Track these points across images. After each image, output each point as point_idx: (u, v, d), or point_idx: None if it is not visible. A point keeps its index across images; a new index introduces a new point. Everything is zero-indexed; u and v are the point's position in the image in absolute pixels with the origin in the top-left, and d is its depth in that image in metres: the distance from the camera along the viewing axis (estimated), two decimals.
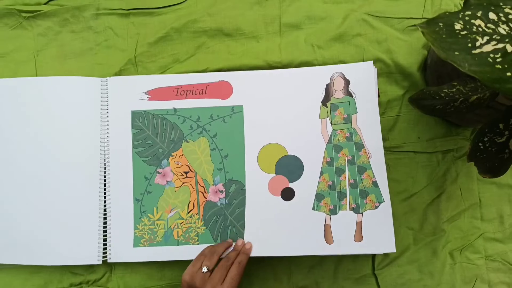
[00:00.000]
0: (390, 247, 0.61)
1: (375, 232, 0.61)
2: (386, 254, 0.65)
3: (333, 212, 0.63)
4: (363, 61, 0.68)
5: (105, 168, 0.64)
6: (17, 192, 0.63)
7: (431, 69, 0.65)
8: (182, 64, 0.68)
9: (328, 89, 0.65)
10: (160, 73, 0.68)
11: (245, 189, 0.64)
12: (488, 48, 0.32)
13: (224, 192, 0.64)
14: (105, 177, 0.64)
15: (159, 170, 0.65)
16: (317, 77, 0.65)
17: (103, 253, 0.64)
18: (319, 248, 0.62)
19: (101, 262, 0.63)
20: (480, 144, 0.42)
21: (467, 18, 0.33)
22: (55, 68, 0.68)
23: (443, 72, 0.62)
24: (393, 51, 0.67)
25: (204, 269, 0.55)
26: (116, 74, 0.68)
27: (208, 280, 0.55)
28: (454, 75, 0.59)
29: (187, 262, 0.63)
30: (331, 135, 0.64)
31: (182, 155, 0.65)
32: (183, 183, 0.64)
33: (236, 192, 0.64)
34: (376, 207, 0.62)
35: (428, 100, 0.46)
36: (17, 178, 0.63)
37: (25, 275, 0.65)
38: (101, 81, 0.65)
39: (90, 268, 0.65)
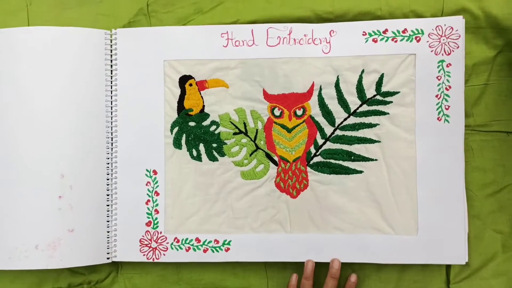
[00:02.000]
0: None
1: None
2: (465, 264, 0.53)
3: None
4: (443, 11, 0.55)
5: (111, 138, 0.55)
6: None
7: None
8: (206, 15, 0.57)
9: None
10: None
11: None
12: None
13: None
14: (112, 147, 0.54)
15: None
16: None
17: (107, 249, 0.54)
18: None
19: (107, 261, 0.54)
20: None
21: None
22: (51, 20, 0.58)
23: None
24: None
25: None
26: (125, 27, 0.57)
27: None
28: None
29: (209, 264, 0.56)
30: None
31: None
32: None
33: None
34: None
35: None
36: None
37: (15, 272, 0.57)
38: (105, 34, 0.55)
39: (91, 266, 0.56)
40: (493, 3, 0.54)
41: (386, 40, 0.52)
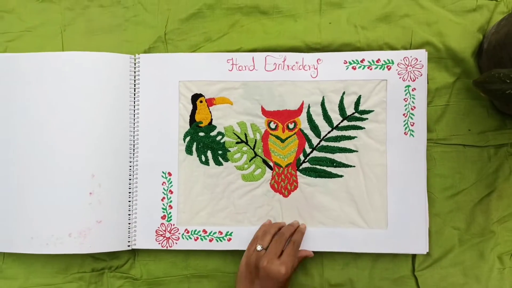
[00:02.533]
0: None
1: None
2: (428, 255, 0.61)
3: None
4: (411, 44, 0.62)
5: (133, 145, 0.62)
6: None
7: (488, 54, 0.59)
8: (214, 43, 0.64)
9: None
10: (190, 52, 0.64)
11: None
12: None
13: None
14: (134, 152, 0.62)
15: None
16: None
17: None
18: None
19: (128, 248, 0.61)
20: None
21: None
22: (82, 44, 0.65)
23: (503, 58, 0.55)
24: (445, 34, 0.62)
25: (259, 248, 0.54)
26: (145, 52, 0.64)
27: (264, 255, 0.53)
28: None
29: (213, 252, 0.61)
30: None
31: None
32: None
33: None
34: None
35: (497, 83, 0.41)
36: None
37: (46, 258, 0.63)
38: (130, 58, 0.63)
39: (113, 253, 0.63)
40: (452, 38, 0.61)
41: (363, 68, 0.60)
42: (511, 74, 0.40)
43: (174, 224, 0.61)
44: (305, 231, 0.59)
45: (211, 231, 0.61)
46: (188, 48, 0.65)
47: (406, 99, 0.60)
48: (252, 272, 0.54)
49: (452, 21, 0.62)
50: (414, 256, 0.61)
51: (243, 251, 0.60)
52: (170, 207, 0.61)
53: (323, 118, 0.61)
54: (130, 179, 0.62)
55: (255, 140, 0.62)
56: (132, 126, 0.62)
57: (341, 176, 0.61)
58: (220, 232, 0.61)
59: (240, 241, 0.60)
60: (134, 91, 0.62)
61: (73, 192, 0.60)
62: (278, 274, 0.51)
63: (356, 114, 0.61)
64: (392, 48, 0.62)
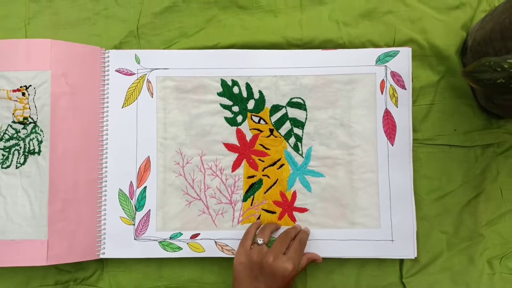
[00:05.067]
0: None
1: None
2: (415, 260, 0.58)
3: None
4: (394, 41, 0.61)
5: (103, 145, 0.58)
6: None
7: (473, 51, 0.57)
8: (190, 38, 0.61)
9: None
10: (164, 48, 0.61)
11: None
12: None
13: None
14: (103, 156, 0.58)
15: None
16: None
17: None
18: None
19: (97, 257, 0.56)
20: None
21: None
22: (48, 38, 0.59)
23: (489, 53, 0.54)
24: (428, 31, 0.61)
25: (260, 241, 0.51)
26: (116, 47, 0.61)
27: (269, 251, 0.50)
28: (502, 54, 0.51)
29: (188, 261, 0.58)
30: None
31: None
32: None
33: None
34: None
35: (488, 73, 0.38)
36: None
37: (5, 271, 0.58)
38: (101, 51, 0.59)
39: (78, 264, 0.58)
40: (435, 35, 0.60)
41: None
42: (502, 63, 0.38)
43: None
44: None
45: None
46: (162, 43, 0.61)
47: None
48: (253, 269, 0.50)
49: (435, 19, 0.61)
50: (401, 262, 0.58)
51: (219, 259, 0.57)
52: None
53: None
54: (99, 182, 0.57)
55: None
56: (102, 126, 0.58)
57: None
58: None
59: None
60: (104, 87, 0.58)
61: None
62: (285, 271, 0.48)
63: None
64: (375, 45, 0.61)
